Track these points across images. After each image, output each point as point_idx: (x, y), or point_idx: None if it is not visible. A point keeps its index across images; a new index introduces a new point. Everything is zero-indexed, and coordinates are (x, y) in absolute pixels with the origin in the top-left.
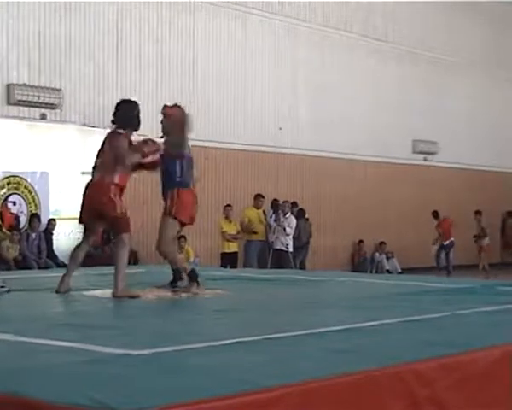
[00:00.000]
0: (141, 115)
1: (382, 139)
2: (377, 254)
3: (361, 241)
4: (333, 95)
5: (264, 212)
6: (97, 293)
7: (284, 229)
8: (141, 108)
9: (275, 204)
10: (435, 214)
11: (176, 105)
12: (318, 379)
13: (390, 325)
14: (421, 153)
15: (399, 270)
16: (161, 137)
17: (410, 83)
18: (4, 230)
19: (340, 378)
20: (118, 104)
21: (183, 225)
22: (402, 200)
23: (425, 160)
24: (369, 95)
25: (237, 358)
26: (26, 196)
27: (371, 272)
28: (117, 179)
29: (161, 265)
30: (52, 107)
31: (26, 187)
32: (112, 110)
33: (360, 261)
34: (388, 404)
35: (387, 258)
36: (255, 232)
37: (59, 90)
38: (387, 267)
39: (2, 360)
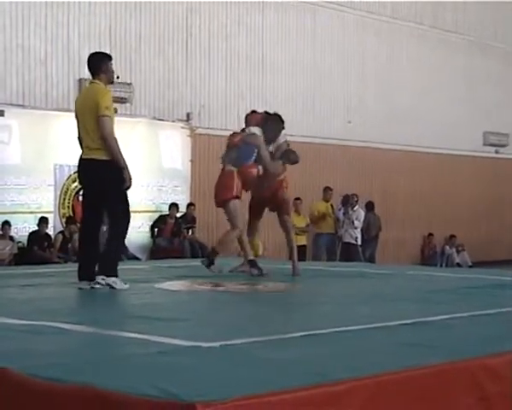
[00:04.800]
0: (211, 110)
1: (452, 131)
2: (447, 247)
3: (431, 234)
4: (402, 87)
5: (332, 205)
6: (167, 285)
7: (352, 222)
8: (210, 103)
9: (345, 198)
10: None
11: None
12: (389, 372)
13: (460, 318)
14: (492, 145)
15: (470, 263)
16: None
17: (480, 74)
18: (76, 223)
19: (411, 372)
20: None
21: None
22: (472, 193)
23: (496, 152)
24: (439, 87)
25: (307, 351)
26: None
27: (441, 265)
28: None
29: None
30: (123, 101)
31: None
32: (181, 104)
33: (430, 255)
34: (458, 398)
35: (458, 251)
36: (324, 218)
37: (129, 84)
38: (458, 261)
39: (74, 351)
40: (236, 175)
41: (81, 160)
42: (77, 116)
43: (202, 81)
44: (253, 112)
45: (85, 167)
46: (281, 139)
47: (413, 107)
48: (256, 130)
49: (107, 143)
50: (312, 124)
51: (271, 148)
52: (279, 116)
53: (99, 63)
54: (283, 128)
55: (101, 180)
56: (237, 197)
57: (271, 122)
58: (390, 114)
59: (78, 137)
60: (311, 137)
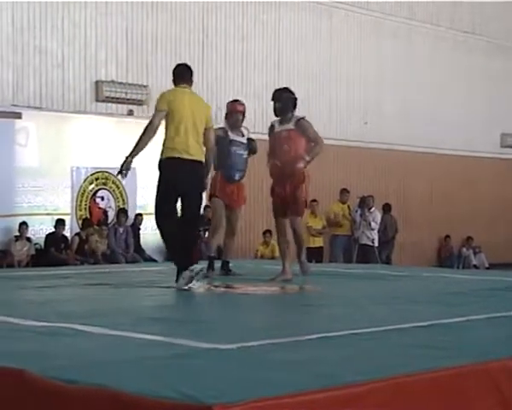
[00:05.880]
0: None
1: (470, 133)
2: (464, 249)
3: (447, 236)
4: (419, 89)
5: (349, 207)
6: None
7: (369, 223)
8: (226, 104)
9: (362, 200)
10: None
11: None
12: (406, 375)
13: (477, 321)
14: (509, 147)
15: (487, 265)
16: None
17: (498, 75)
18: (93, 224)
19: (428, 374)
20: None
21: None
22: (489, 194)
23: None
24: (456, 88)
25: (324, 353)
26: (113, 191)
27: (458, 267)
28: None
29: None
30: (139, 103)
31: (113, 182)
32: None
33: (447, 257)
34: (477, 401)
35: (475, 253)
36: (340, 225)
37: (146, 86)
38: (475, 263)
39: (91, 352)
40: (218, 175)
41: (189, 160)
42: (182, 115)
43: (218, 83)
44: (235, 101)
45: (194, 168)
46: (298, 116)
47: (430, 108)
48: (223, 124)
49: (212, 153)
50: (329, 126)
51: (291, 125)
52: (288, 89)
53: (191, 76)
54: (295, 99)
55: (201, 182)
56: (215, 196)
57: (281, 97)
58: (407, 116)
59: (181, 134)
60: (327, 138)
